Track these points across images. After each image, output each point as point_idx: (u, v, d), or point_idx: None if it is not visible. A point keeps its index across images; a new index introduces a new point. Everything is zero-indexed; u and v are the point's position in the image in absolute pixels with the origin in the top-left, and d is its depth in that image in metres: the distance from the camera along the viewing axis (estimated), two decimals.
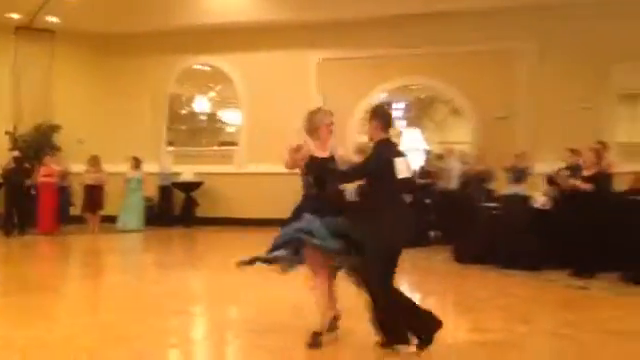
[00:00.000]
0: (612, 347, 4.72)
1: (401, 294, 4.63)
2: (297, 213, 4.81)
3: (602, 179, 8.16)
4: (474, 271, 8.44)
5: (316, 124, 4.92)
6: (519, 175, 10.43)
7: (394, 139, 4.82)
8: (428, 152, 13.35)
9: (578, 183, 8.00)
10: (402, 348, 4.52)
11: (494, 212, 9.19)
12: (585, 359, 4.43)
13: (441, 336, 4.92)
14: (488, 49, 13.23)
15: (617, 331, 5.19)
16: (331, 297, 4.87)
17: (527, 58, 13.23)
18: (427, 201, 11.29)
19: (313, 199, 4.80)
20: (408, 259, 8.71)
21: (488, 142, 12.62)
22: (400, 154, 4.60)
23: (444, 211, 11.00)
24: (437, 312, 5.73)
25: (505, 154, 10.67)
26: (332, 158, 4.87)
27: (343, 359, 4.61)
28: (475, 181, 10.70)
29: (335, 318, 4.89)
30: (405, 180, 4.51)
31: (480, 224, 9.24)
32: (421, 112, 16.97)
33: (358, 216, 4.68)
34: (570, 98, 12.76)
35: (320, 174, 4.79)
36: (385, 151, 4.56)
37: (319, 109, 5.03)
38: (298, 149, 4.63)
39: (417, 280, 7.96)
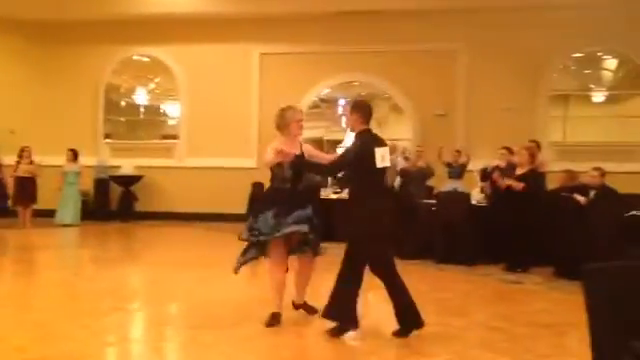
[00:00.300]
0: (543, 339, 4.90)
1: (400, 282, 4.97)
2: (269, 204, 5.08)
3: (535, 177, 8.45)
4: (413, 266, 8.57)
5: (287, 120, 5.17)
6: (458, 171, 10.70)
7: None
8: None
9: (512, 183, 8.25)
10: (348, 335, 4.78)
11: (433, 208, 9.37)
12: (517, 351, 4.57)
13: (380, 329, 5.02)
14: (427, 49, 13.51)
15: (548, 324, 5.39)
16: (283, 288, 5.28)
17: (464, 59, 13.56)
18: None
19: (286, 193, 5.05)
20: None
21: (428, 139, 12.87)
22: (380, 144, 4.85)
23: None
24: (376, 306, 5.87)
25: (445, 151, 10.93)
26: (302, 155, 5.09)
27: (285, 349, 4.62)
28: (416, 178, 10.87)
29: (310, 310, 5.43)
30: (384, 169, 4.82)
31: (419, 220, 9.40)
32: None
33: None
34: (505, 98, 13.17)
35: (299, 170, 5.03)
36: (365, 141, 4.82)
37: (290, 107, 5.23)
38: (283, 151, 4.85)
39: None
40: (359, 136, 4.87)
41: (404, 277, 7.74)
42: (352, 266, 4.81)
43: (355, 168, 4.84)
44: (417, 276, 7.88)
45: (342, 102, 16.52)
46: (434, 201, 9.56)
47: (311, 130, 15.63)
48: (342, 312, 4.79)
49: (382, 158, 4.75)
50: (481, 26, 13.24)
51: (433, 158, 10.78)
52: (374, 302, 6.53)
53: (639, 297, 2.02)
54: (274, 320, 5.12)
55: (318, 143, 16.08)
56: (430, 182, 11.00)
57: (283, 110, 5.23)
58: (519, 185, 8.15)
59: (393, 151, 12.27)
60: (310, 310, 5.44)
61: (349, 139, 14.27)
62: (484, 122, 13.22)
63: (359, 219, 4.74)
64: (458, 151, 11.15)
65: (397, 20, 13.39)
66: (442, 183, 10.85)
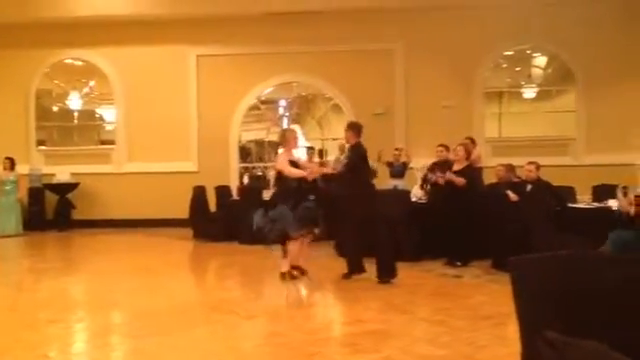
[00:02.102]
0: (482, 331, 5.05)
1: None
2: (283, 200, 7.17)
3: (471, 172, 8.67)
4: None
5: (288, 138, 7.41)
6: (399, 170, 10.87)
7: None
8: (310, 148, 13.48)
9: (453, 177, 8.43)
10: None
11: None
12: (457, 344, 4.70)
13: (324, 329, 5.07)
14: (364, 48, 13.66)
15: (487, 316, 5.55)
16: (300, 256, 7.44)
17: (401, 58, 13.78)
18: (311, 197, 11.40)
19: (294, 191, 7.16)
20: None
21: (368, 138, 12.96)
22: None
23: (327, 206, 11.14)
24: (320, 306, 5.92)
25: (385, 150, 11.09)
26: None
27: (229, 354, 4.61)
28: None
29: (302, 272, 7.38)
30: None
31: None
32: (302, 109, 17.17)
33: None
34: (442, 96, 13.48)
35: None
36: (363, 148, 7.38)
37: (289, 128, 7.86)
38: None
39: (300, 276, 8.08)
40: (355, 146, 7.42)
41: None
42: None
43: (354, 169, 7.27)
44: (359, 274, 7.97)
45: (282, 103, 16.55)
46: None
47: (252, 132, 15.62)
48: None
49: None
50: (416, 25, 13.48)
51: (373, 158, 10.92)
52: (322, 302, 6.59)
53: (563, 287, 2.12)
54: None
55: (259, 144, 16.05)
56: (373, 181, 11.12)
57: (284, 130, 8.00)
58: (461, 180, 8.34)
59: (342, 151, 12.31)
60: (303, 271, 7.39)
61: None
62: (423, 120, 13.47)
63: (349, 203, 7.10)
64: (398, 149, 11.33)
65: (335, 20, 13.48)
66: (385, 182, 11.00)
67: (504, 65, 14.15)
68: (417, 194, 9.94)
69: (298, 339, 4.90)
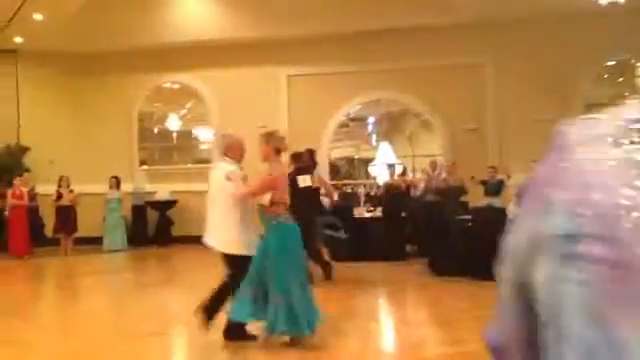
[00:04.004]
0: None
1: None
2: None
3: None
4: (450, 284, 8.47)
5: None
6: (494, 187, 10.55)
7: None
8: (390, 166, 13.34)
9: None
10: None
11: (468, 224, 9.27)
12: None
13: (417, 349, 4.98)
14: (453, 63, 13.46)
15: None
16: None
17: (491, 72, 13.46)
18: (403, 214, 11.33)
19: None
20: (384, 272, 8.79)
21: (459, 154, 12.79)
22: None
23: (420, 224, 11.02)
24: (413, 325, 5.82)
25: (477, 166, 10.85)
26: None
27: None
28: (450, 194, 10.78)
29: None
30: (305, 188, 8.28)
31: (454, 236, 9.30)
32: (391, 126, 17.09)
33: None
34: (536, 110, 13.00)
35: None
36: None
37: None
38: None
39: (393, 293, 8.00)
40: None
41: (442, 295, 7.69)
42: None
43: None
44: (454, 293, 7.80)
45: (371, 120, 16.56)
46: (469, 217, 9.46)
47: (341, 149, 15.72)
48: None
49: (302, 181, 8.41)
50: (508, 39, 13.15)
51: (466, 177, 10.73)
52: (414, 320, 6.47)
53: None
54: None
55: (349, 161, 16.12)
56: (465, 198, 10.90)
57: None
58: None
59: (434, 167, 12.05)
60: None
61: (381, 157, 14.37)
62: (517, 135, 13.07)
63: None
64: (492, 167, 11.02)
65: (422, 36, 13.38)
66: (477, 199, 10.75)
67: (605, 76, 13.52)
68: (514, 212, 9.62)
69: None
